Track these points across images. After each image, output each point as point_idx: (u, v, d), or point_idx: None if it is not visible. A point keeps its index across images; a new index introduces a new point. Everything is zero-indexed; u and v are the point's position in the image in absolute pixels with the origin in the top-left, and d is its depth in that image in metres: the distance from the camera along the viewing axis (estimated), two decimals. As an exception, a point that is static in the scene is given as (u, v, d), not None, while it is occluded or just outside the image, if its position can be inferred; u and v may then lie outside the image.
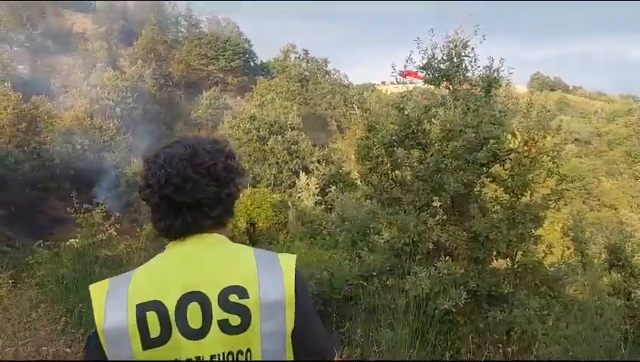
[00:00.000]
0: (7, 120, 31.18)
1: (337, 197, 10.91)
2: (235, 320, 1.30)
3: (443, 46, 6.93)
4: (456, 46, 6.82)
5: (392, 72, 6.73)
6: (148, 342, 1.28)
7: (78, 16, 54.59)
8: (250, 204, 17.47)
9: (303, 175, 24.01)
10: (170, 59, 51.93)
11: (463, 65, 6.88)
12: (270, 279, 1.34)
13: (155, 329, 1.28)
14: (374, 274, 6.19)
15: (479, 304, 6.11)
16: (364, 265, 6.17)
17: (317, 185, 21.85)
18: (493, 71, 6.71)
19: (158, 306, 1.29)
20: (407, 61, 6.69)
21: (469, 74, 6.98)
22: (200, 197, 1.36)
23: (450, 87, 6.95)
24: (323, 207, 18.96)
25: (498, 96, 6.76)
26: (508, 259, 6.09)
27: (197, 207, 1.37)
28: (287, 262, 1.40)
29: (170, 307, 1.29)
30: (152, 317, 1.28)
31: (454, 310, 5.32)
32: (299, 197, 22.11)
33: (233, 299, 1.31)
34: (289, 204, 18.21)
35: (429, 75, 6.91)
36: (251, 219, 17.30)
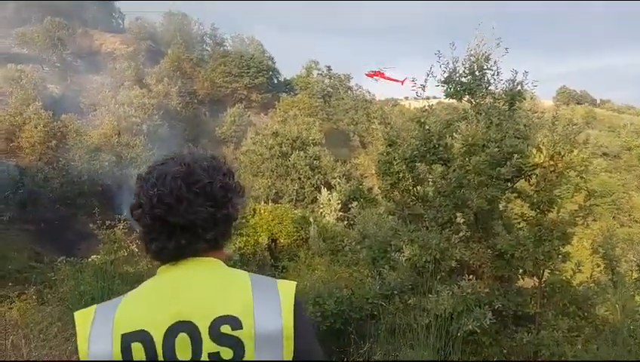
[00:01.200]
0: (37, 137, 32.01)
1: (359, 213, 10.77)
2: (227, 353, 1.19)
3: (464, 59, 6.84)
4: (477, 59, 6.72)
5: (413, 87, 6.63)
6: None
7: (107, 37, 56.13)
8: (272, 220, 17.44)
9: (324, 190, 23.92)
10: (195, 77, 52.80)
11: (486, 79, 6.76)
12: (267, 309, 1.23)
13: None
14: (395, 292, 6.05)
15: (505, 324, 5.91)
16: (384, 284, 6.03)
17: (338, 201, 21.72)
18: (517, 84, 6.57)
19: (144, 336, 1.20)
20: (427, 75, 6.59)
21: (491, 87, 6.86)
22: (194, 218, 1.26)
23: (473, 100, 6.84)
24: (346, 223, 18.83)
25: (522, 109, 6.60)
26: (535, 278, 5.88)
27: (191, 229, 1.27)
28: (287, 290, 1.28)
29: (158, 338, 1.20)
30: (137, 349, 1.19)
31: (479, 331, 5.13)
32: (321, 213, 22.02)
33: (225, 330, 1.20)
34: (310, 219, 18.13)
35: (450, 88, 6.80)
36: (273, 235, 17.25)
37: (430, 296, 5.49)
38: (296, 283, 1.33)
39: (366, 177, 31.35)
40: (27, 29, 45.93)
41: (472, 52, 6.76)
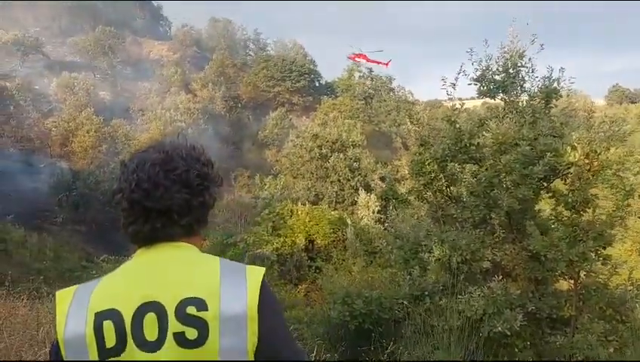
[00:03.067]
0: (89, 142, 33.46)
1: (397, 215, 10.72)
2: (191, 333, 1.23)
3: (498, 57, 6.69)
4: (512, 56, 6.56)
5: (442, 86, 6.53)
6: (104, 353, 1.24)
7: (154, 44, 58.05)
8: (309, 221, 17.50)
9: (362, 192, 23.78)
10: (239, 82, 53.80)
11: (520, 76, 6.60)
12: (233, 292, 1.27)
13: (110, 339, 1.25)
14: (426, 293, 5.98)
15: (540, 327, 5.74)
16: (414, 285, 5.97)
17: (376, 203, 21.54)
18: (553, 81, 6.38)
19: (114, 315, 1.26)
20: (458, 73, 6.50)
21: (526, 85, 6.69)
22: (170, 204, 1.32)
23: (507, 98, 6.68)
24: (386, 224, 18.67)
25: (557, 107, 6.40)
26: (571, 280, 5.69)
27: (166, 214, 1.32)
28: (254, 275, 1.32)
29: (127, 317, 1.25)
30: (108, 327, 1.25)
31: (509, 333, 5.00)
32: (359, 214, 21.93)
33: (191, 311, 1.24)
34: (347, 221, 18.08)
35: (483, 86, 6.67)
36: (310, 236, 17.30)
37: (460, 297, 5.40)
38: (265, 268, 1.36)
39: (407, 179, 30.98)
40: (80, 38, 48.10)
41: (505, 49, 6.62)
